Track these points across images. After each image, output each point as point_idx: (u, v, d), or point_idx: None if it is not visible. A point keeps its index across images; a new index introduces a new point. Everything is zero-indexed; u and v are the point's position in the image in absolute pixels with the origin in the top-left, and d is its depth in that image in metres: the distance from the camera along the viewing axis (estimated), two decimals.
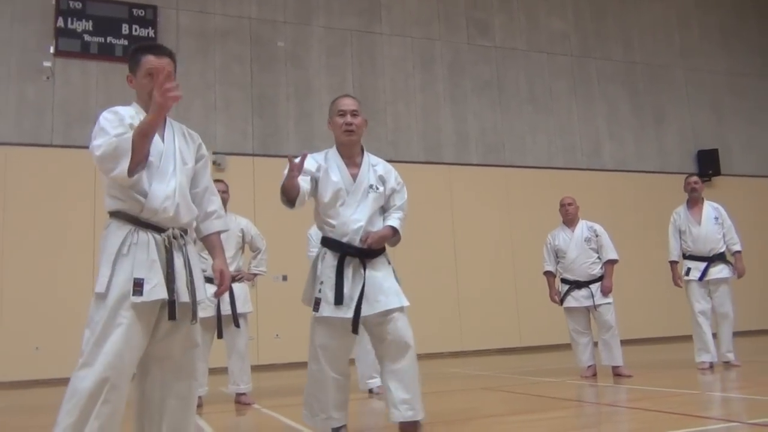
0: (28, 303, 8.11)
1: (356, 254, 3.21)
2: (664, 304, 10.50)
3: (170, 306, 2.43)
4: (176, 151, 2.58)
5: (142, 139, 2.35)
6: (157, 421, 2.47)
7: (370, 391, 5.42)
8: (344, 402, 3.23)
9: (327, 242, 3.29)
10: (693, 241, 6.33)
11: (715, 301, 6.20)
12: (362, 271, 3.19)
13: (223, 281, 2.68)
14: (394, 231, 3.34)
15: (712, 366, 6.06)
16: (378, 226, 3.33)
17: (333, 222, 3.27)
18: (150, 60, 2.55)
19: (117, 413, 2.32)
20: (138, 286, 2.36)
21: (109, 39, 9.40)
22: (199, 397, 5.09)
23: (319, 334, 3.20)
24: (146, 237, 2.44)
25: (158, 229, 2.48)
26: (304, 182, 3.15)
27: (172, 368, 2.51)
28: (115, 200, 2.46)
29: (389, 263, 3.34)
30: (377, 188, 3.34)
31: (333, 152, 3.40)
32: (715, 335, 6.20)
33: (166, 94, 2.30)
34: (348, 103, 3.37)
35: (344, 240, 3.23)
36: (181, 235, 2.55)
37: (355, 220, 3.25)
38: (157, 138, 2.51)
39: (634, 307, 7.72)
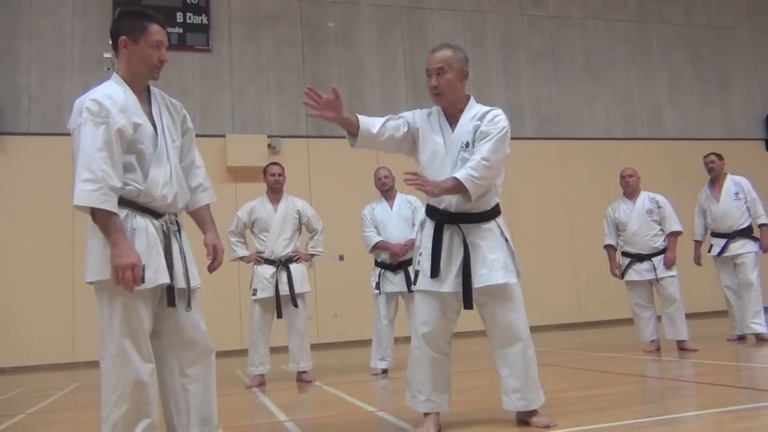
0: None
1: (452, 221, 2.90)
2: None
3: (169, 292, 2.42)
4: (165, 131, 2.51)
5: (103, 228, 2.29)
6: (184, 409, 2.49)
7: (383, 371, 5.46)
8: (445, 384, 2.94)
9: (427, 209, 3.01)
10: (713, 218, 6.38)
11: (738, 275, 6.20)
12: (461, 239, 2.87)
13: (216, 255, 2.63)
14: (460, 183, 2.74)
15: (740, 338, 6.25)
16: None
17: None
18: (158, 31, 2.48)
19: (156, 391, 2.39)
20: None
21: None
22: (262, 375, 5.25)
23: (419, 309, 2.93)
24: (144, 222, 2.39)
25: (155, 213, 2.44)
26: (388, 124, 2.91)
27: (187, 353, 2.51)
28: None
29: (502, 232, 2.94)
30: (467, 146, 2.88)
31: (438, 109, 3.02)
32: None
33: (128, 283, 2.25)
34: (432, 61, 2.92)
35: (441, 206, 2.92)
36: (176, 221, 2.54)
37: None
38: (146, 121, 2.46)
39: (700, 280, 7.47)
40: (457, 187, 2.77)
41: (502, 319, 2.89)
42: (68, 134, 2.41)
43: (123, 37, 2.47)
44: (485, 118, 2.90)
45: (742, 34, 12.51)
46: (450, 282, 2.87)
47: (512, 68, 11.13)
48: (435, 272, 2.85)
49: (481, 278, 2.84)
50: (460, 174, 2.76)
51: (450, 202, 2.90)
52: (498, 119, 2.89)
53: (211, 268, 2.64)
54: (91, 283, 2.38)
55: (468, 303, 2.85)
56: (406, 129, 2.97)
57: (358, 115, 2.89)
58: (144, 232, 2.38)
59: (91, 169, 2.24)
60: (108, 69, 9.10)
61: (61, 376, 7.44)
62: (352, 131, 2.87)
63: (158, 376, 2.49)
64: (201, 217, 2.70)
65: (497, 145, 2.82)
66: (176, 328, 2.49)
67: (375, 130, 2.89)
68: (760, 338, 5.95)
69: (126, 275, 2.24)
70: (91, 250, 2.36)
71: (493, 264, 2.85)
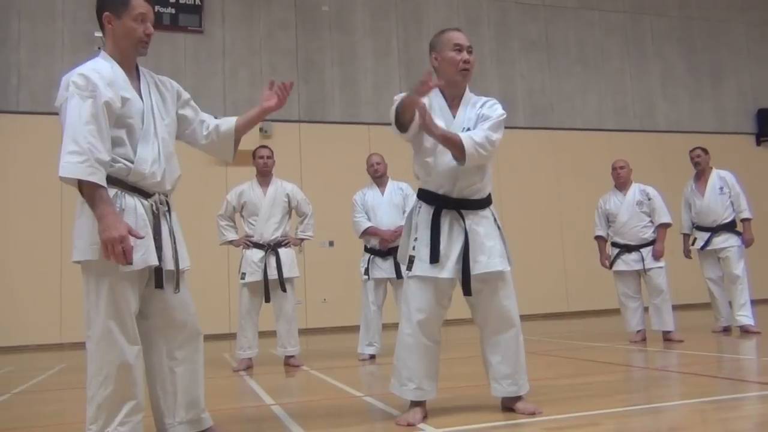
0: None
1: (453, 207, 2.89)
2: None
3: (158, 274, 2.40)
4: (154, 107, 2.49)
5: (90, 201, 2.25)
6: (171, 391, 2.49)
7: (371, 357, 5.48)
8: (435, 372, 2.93)
9: (422, 194, 2.97)
10: (697, 213, 6.46)
11: (724, 269, 6.29)
12: (461, 225, 2.87)
13: (283, 93, 2.74)
14: (458, 142, 2.76)
15: (725, 329, 6.34)
16: (478, 177, 2.90)
17: (430, 170, 2.90)
18: (141, 4, 2.44)
19: (141, 372, 2.40)
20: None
21: (156, 8, 9.49)
22: (250, 359, 5.26)
23: (413, 295, 2.87)
24: (133, 202, 2.37)
25: (144, 193, 2.42)
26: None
27: (176, 336, 2.50)
28: None
29: (495, 220, 2.97)
30: (468, 131, 2.87)
31: (435, 92, 3.00)
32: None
33: (119, 257, 2.20)
34: (464, 38, 2.97)
35: (440, 192, 2.90)
36: (166, 201, 2.51)
37: (452, 168, 2.86)
38: (135, 96, 2.44)
39: (688, 271, 7.53)
40: (455, 142, 2.78)
41: (497, 306, 2.90)
42: (57, 113, 2.38)
43: (106, 12, 2.45)
44: (485, 105, 2.97)
45: (736, 28, 12.53)
46: (450, 268, 2.85)
47: (506, 57, 11.11)
48: (435, 258, 2.83)
49: (479, 265, 2.84)
50: (463, 135, 2.79)
51: (450, 189, 2.89)
52: (497, 106, 2.96)
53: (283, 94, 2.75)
54: (78, 262, 2.35)
55: (467, 289, 2.85)
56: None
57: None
58: (133, 212, 2.35)
59: (77, 141, 2.21)
60: (99, 48, 8.99)
61: (48, 357, 7.42)
62: (407, 119, 2.81)
63: (145, 358, 2.48)
64: (243, 117, 2.75)
65: (497, 126, 2.88)
66: (165, 310, 2.48)
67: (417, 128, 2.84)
68: (744, 330, 6.02)
69: (116, 249, 2.20)
70: (79, 228, 2.33)
71: (491, 251, 2.87)
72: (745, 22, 12.59)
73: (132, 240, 2.26)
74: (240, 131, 2.74)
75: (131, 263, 2.26)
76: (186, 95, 2.71)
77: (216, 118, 2.79)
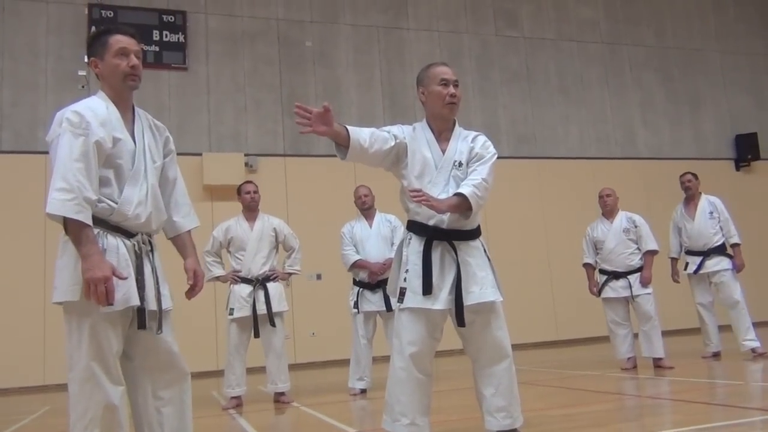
0: None
1: (444, 237, 2.88)
2: None
3: (140, 314, 2.36)
4: (146, 150, 2.48)
5: (75, 239, 2.23)
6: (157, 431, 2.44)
7: (362, 391, 5.42)
8: (428, 407, 2.88)
9: (412, 226, 2.96)
10: (688, 237, 6.48)
11: (720, 294, 6.27)
12: (453, 256, 2.86)
13: (196, 281, 2.58)
14: (463, 200, 2.80)
15: (715, 355, 6.30)
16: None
17: None
18: (120, 39, 2.45)
19: (126, 414, 2.35)
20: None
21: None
22: (239, 397, 5.17)
23: (404, 328, 2.84)
24: (115, 242, 2.34)
25: (126, 233, 2.39)
26: (375, 135, 2.86)
27: (161, 376, 2.46)
28: None
29: (485, 252, 2.97)
30: (459, 165, 2.93)
31: (422, 126, 3.05)
32: (724, 327, 6.35)
33: (101, 298, 2.18)
34: (451, 73, 3.03)
35: (431, 223, 2.89)
36: (149, 241, 2.49)
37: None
38: (127, 137, 2.43)
39: (675, 297, 7.57)
40: (461, 204, 2.80)
41: (491, 337, 2.88)
42: (41, 152, 2.39)
43: (92, 58, 2.49)
44: (477, 141, 3.01)
45: (711, 56, 12.82)
46: (443, 299, 2.83)
47: (488, 88, 11.26)
48: (428, 289, 2.81)
49: (472, 295, 2.83)
50: (466, 191, 2.80)
51: (441, 219, 2.88)
52: (489, 144, 3.01)
53: (191, 295, 2.59)
54: (59, 303, 2.32)
55: (461, 320, 2.83)
56: (393, 143, 2.94)
57: (348, 127, 2.83)
58: (115, 252, 2.33)
59: (66, 178, 2.20)
60: (83, 87, 9.02)
61: (32, 400, 7.25)
62: (343, 143, 2.81)
63: (131, 399, 2.44)
64: (182, 242, 2.65)
65: (492, 169, 2.93)
66: (148, 350, 2.44)
67: (366, 143, 2.83)
68: (756, 353, 5.97)
69: (99, 289, 2.18)
70: (60, 269, 2.30)
71: (483, 281, 2.87)
72: (719, 50, 12.88)
73: (114, 280, 2.23)
74: (175, 241, 2.66)
75: (112, 304, 2.23)
76: (172, 148, 2.67)
77: (186, 204, 2.69)
